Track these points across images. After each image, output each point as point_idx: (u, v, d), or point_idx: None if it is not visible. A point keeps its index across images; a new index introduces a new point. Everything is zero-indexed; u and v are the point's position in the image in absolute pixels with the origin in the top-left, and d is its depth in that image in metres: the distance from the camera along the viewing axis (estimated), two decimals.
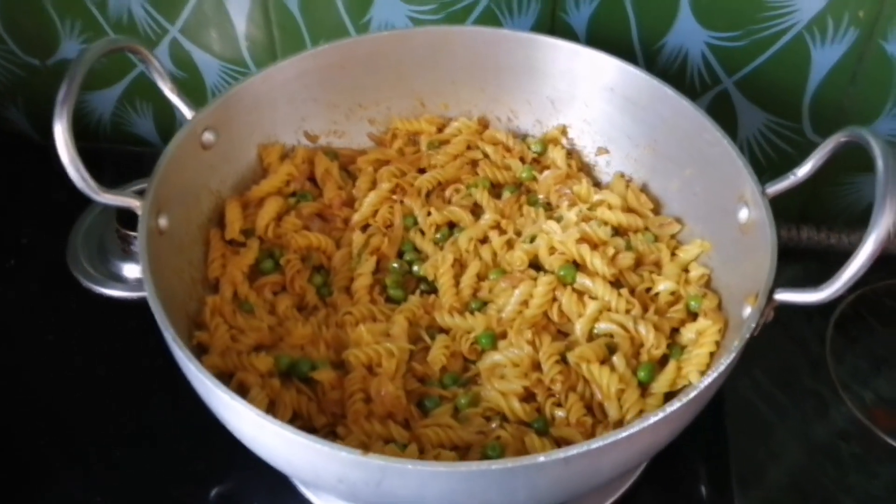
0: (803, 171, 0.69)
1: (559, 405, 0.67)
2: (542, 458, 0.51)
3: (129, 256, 0.90)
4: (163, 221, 0.69)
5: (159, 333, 0.83)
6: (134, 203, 0.66)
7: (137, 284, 0.85)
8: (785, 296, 0.61)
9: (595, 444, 0.52)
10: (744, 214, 0.70)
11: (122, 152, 1.09)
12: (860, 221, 0.90)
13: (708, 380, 0.57)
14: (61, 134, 0.62)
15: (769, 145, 0.96)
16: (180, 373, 0.80)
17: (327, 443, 0.52)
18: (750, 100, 0.93)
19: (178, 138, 0.72)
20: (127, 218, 0.89)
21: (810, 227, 0.95)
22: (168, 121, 1.09)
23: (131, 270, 0.89)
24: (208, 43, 1.00)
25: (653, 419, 0.54)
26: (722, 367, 0.58)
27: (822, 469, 0.79)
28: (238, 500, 0.74)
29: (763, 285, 0.62)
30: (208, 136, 0.75)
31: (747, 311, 0.64)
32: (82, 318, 0.88)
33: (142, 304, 0.86)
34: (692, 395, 0.56)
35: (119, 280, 0.89)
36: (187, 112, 0.74)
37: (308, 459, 0.55)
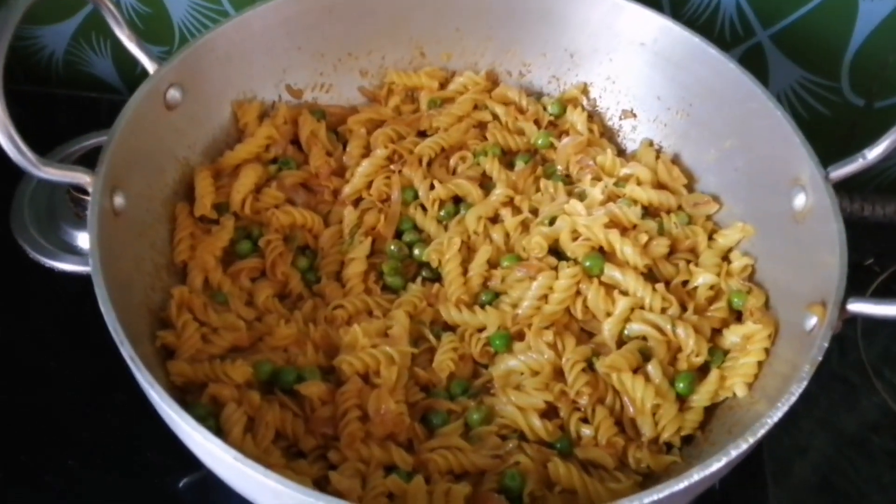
0: (875, 152, 0.59)
1: (585, 421, 0.58)
2: None
3: (82, 223, 0.78)
4: (119, 200, 0.58)
5: None
6: (84, 179, 0.55)
7: None
8: (860, 306, 0.52)
9: (647, 497, 0.43)
10: (800, 201, 0.61)
11: (77, 98, 0.96)
12: (892, 191, 0.81)
13: (778, 414, 0.48)
14: None
15: (801, 104, 0.87)
16: None
17: (323, 496, 0.43)
18: (785, 55, 0.84)
19: (138, 98, 0.60)
20: None
21: (842, 196, 0.87)
22: (131, 61, 0.95)
23: (86, 240, 0.78)
24: None
25: (726, 458, 0.45)
26: (793, 398, 0.49)
27: (853, 464, 0.73)
28: None
29: (833, 292, 0.53)
30: (174, 94, 0.64)
31: (811, 321, 0.54)
32: (28, 295, 0.76)
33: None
34: (760, 433, 0.47)
35: (71, 251, 0.78)
36: (149, 65, 0.62)
37: None
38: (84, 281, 0.76)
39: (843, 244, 0.55)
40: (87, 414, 0.70)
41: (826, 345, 0.51)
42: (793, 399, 0.49)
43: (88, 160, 0.77)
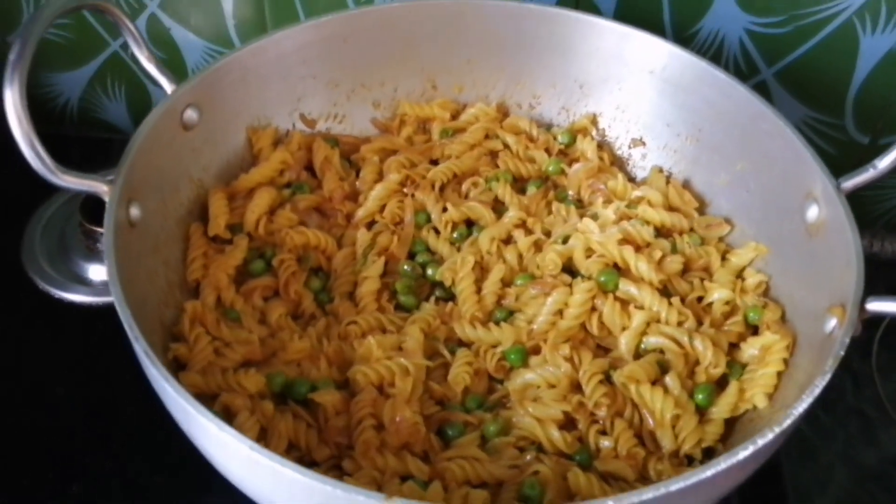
0: (885, 162, 0.60)
1: (604, 433, 0.57)
2: (610, 503, 0.41)
3: (94, 255, 0.78)
4: (134, 212, 0.58)
5: (129, 345, 0.72)
6: (101, 188, 0.55)
7: (104, 288, 0.75)
8: (879, 305, 0.52)
9: (674, 485, 0.42)
10: (813, 213, 0.61)
11: (89, 139, 0.97)
12: None
13: (802, 406, 0.47)
14: (13, 103, 0.52)
15: (808, 143, 0.88)
16: (154, 393, 0.69)
17: (340, 484, 0.41)
18: (790, 93, 0.85)
19: (156, 115, 0.61)
20: (92, 211, 0.78)
21: None
22: (143, 105, 0.98)
23: (97, 272, 0.78)
24: (191, 20, 0.89)
25: (752, 446, 0.44)
26: (817, 390, 0.48)
27: (874, 498, 0.71)
28: None
29: (851, 294, 0.53)
30: (190, 115, 0.64)
31: (831, 323, 0.54)
32: (38, 326, 0.76)
33: (108, 311, 0.75)
34: (786, 423, 0.46)
35: (82, 283, 0.77)
36: (167, 86, 0.63)
37: None
38: (92, 313, 0.77)
39: (860, 249, 0.55)
40: (91, 439, 0.69)
41: (847, 341, 0.51)
42: (817, 391, 0.48)
43: (94, 203, 0.78)
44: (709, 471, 0.43)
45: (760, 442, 0.45)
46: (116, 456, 0.68)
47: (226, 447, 0.44)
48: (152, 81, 0.94)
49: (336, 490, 0.41)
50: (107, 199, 0.55)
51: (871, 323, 0.83)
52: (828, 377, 0.49)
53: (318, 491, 0.42)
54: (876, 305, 0.52)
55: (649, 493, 0.42)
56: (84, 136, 0.98)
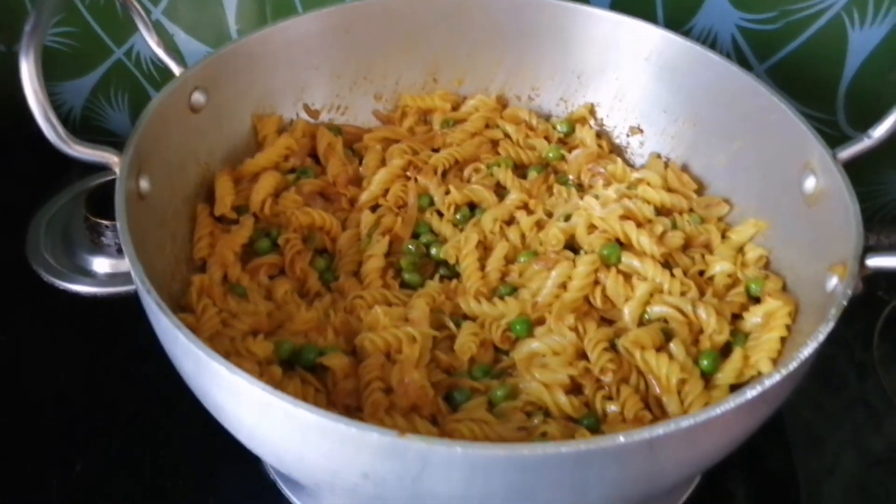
0: (880, 130, 0.61)
1: (610, 398, 0.57)
2: (622, 439, 0.41)
3: (98, 248, 0.79)
4: (144, 184, 0.59)
5: (132, 333, 0.73)
6: (111, 158, 0.56)
7: (108, 279, 0.76)
8: (880, 261, 0.53)
9: (684, 421, 0.42)
10: (810, 184, 0.62)
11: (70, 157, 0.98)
12: None
13: (808, 349, 0.48)
14: (29, 74, 0.53)
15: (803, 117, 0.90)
16: (155, 378, 0.69)
17: (354, 422, 0.41)
18: (782, 88, 0.86)
19: (164, 94, 0.62)
20: (97, 204, 0.79)
21: None
22: None
23: (101, 264, 0.78)
24: (194, 27, 0.91)
25: (760, 388, 0.45)
26: (822, 336, 0.48)
27: (882, 483, 0.71)
28: None
29: (852, 252, 0.53)
30: (198, 97, 0.66)
31: (832, 282, 0.55)
32: (43, 316, 0.76)
33: (111, 302, 0.76)
34: (793, 365, 0.46)
35: (86, 274, 0.78)
36: (176, 69, 0.64)
37: (327, 450, 0.44)
38: (96, 303, 0.77)
39: (858, 212, 0.56)
40: (94, 422, 0.69)
41: (849, 293, 0.51)
42: (821, 337, 0.49)
43: (98, 198, 0.80)
44: (718, 408, 0.43)
45: (768, 383, 0.45)
46: (119, 436, 0.68)
47: (238, 393, 0.45)
48: (155, 87, 0.96)
49: (350, 428, 0.42)
50: (117, 169, 0.56)
51: (871, 314, 0.84)
52: (831, 325, 0.49)
53: (332, 430, 0.42)
54: (876, 261, 0.53)
55: (659, 429, 0.42)
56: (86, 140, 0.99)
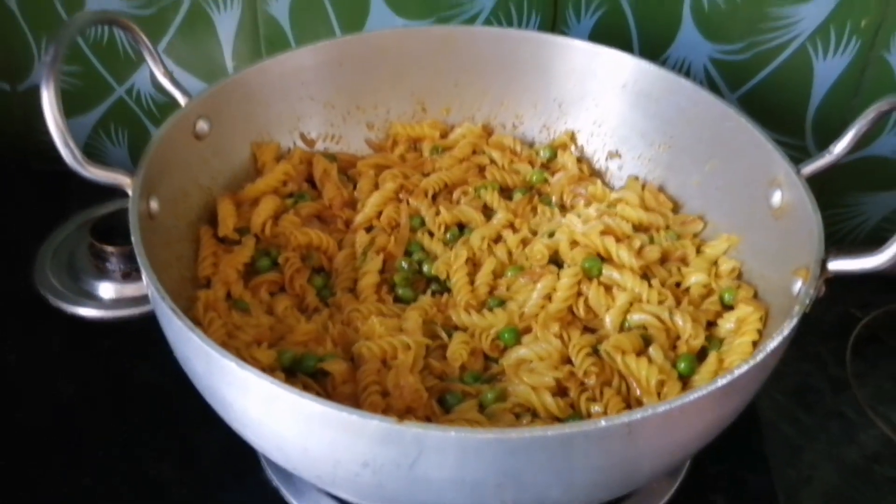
0: (840, 146, 0.66)
1: (594, 400, 0.61)
2: (603, 423, 0.45)
3: (103, 274, 0.83)
4: (153, 204, 0.63)
5: (136, 353, 0.76)
6: (124, 180, 0.60)
7: (112, 304, 0.79)
8: (839, 264, 0.57)
9: (661, 407, 0.46)
10: (777, 198, 0.67)
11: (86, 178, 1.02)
12: (870, 242, 0.87)
13: (774, 343, 0.51)
14: (48, 101, 0.57)
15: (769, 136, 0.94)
16: (159, 394, 0.73)
17: (355, 411, 0.45)
18: (753, 116, 0.90)
19: (171, 122, 0.66)
20: (102, 232, 0.83)
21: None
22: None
23: (106, 289, 0.82)
24: (193, 63, 0.95)
25: (730, 377, 0.48)
26: (786, 330, 0.52)
27: (858, 491, 0.74)
28: None
29: (814, 256, 0.58)
30: (202, 125, 0.70)
31: (797, 285, 0.59)
32: (50, 339, 0.80)
33: (116, 326, 0.80)
34: (759, 357, 0.50)
35: (92, 299, 0.81)
36: (181, 99, 0.69)
37: (330, 439, 0.47)
38: (102, 327, 0.80)
39: (820, 222, 0.60)
40: (101, 438, 0.72)
41: (812, 293, 0.55)
42: (786, 332, 0.52)
43: (103, 226, 0.83)
44: (692, 395, 0.47)
45: (737, 372, 0.49)
46: (125, 452, 0.71)
47: (247, 388, 0.48)
48: (156, 125, 1.00)
49: (352, 416, 0.45)
50: (129, 190, 0.60)
51: (844, 331, 0.88)
52: (795, 321, 0.53)
53: (335, 419, 0.46)
54: (837, 265, 0.57)
55: (637, 413, 0.46)
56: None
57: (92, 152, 1.04)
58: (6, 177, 1.01)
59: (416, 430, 0.45)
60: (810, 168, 0.65)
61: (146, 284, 0.54)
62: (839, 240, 0.99)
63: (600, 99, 0.81)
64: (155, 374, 0.76)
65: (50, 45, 0.58)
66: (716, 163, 0.74)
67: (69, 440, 0.71)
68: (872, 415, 0.80)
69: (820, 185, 0.92)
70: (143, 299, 0.79)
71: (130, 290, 0.82)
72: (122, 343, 0.79)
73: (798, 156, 0.90)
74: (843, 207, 0.97)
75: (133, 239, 0.56)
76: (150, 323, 0.59)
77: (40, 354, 0.79)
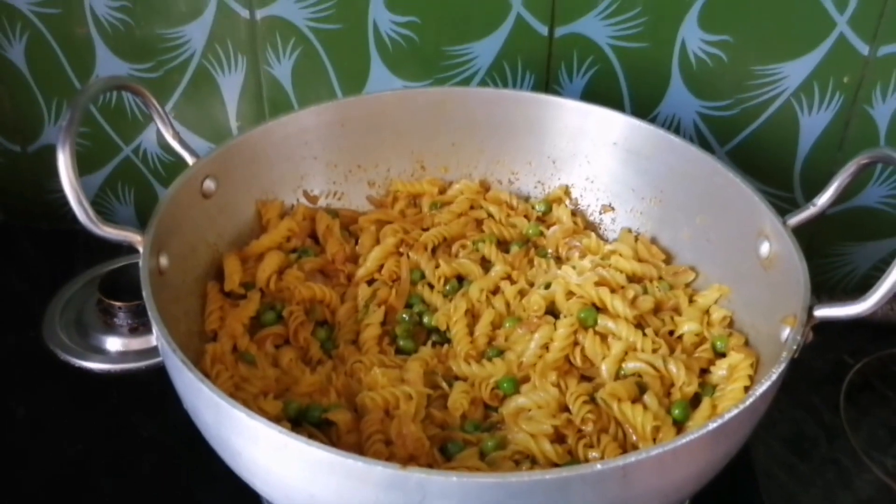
0: (823, 199, 0.68)
1: (591, 446, 0.62)
2: (599, 466, 0.47)
3: (110, 329, 0.85)
4: (163, 261, 0.65)
5: (142, 409, 0.78)
6: (135, 238, 0.63)
7: (119, 357, 0.81)
8: (825, 311, 0.59)
9: (654, 450, 0.48)
10: (765, 249, 0.69)
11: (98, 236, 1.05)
12: (860, 290, 0.89)
13: (762, 388, 0.53)
14: (64, 163, 0.60)
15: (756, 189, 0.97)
16: (166, 444, 0.74)
17: (361, 458, 0.47)
18: (743, 169, 0.94)
19: (180, 182, 0.69)
20: (109, 288, 0.85)
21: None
22: (151, 208, 1.06)
23: (113, 343, 0.84)
24: (198, 124, 0.99)
25: (720, 420, 0.50)
26: (774, 375, 0.54)
27: None
28: None
29: (801, 304, 0.60)
30: (209, 184, 0.72)
31: (785, 332, 0.61)
32: (59, 392, 0.81)
33: (123, 378, 0.81)
34: (749, 401, 0.52)
35: (99, 352, 0.83)
36: (189, 159, 0.71)
37: (335, 486, 0.49)
38: (110, 379, 0.82)
39: (806, 271, 0.63)
40: (109, 490, 0.73)
41: (799, 339, 0.57)
42: (774, 377, 0.54)
43: (109, 282, 0.86)
44: (684, 438, 0.49)
45: (727, 416, 0.51)
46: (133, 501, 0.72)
47: (256, 437, 0.50)
48: (162, 184, 1.03)
49: (357, 463, 0.47)
50: (140, 247, 0.62)
51: (837, 378, 0.90)
52: (783, 366, 0.55)
53: (340, 466, 0.47)
54: (823, 312, 0.59)
55: (632, 457, 0.48)
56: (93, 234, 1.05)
57: (100, 210, 1.06)
58: (15, 235, 1.04)
59: (420, 475, 0.46)
60: (796, 219, 0.68)
61: (156, 338, 0.56)
62: (830, 288, 1.02)
63: (592, 156, 0.84)
64: (160, 427, 0.77)
65: (67, 110, 0.61)
66: (706, 216, 0.76)
67: (75, 493, 0.73)
68: (867, 461, 0.81)
69: (809, 236, 0.96)
70: (150, 353, 0.82)
71: (137, 343, 0.84)
72: (128, 396, 0.81)
73: (787, 207, 0.94)
74: (833, 257, 0.99)
75: (144, 294, 0.58)
76: (155, 375, 0.61)
77: (48, 408, 0.80)
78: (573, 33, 0.88)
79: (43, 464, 0.75)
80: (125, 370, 0.81)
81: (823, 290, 1.01)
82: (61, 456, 0.76)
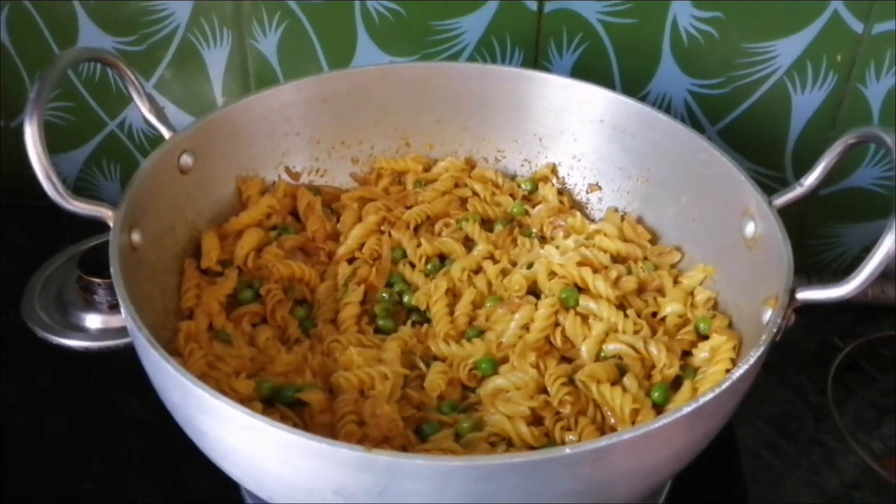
0: (809, 179, 0.67)
1: (569, 429, 0.62)
2: (568, 450, 0.46)
3: (90, 306, 0.84)
4: (136, 237, 0.64)
5: (122, 382, 0.77)
6: (106, 212, 0.62)
7: (99, 334, 0.81)
8: (807, 294, 0.58)
9: (627, 434, 0.47)
10: (750, 229, 0.68)
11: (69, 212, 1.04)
12: (851, 272, 0.88)
13: (740, 371, 0.52)
14: (31, 137, 0.59)
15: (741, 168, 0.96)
16: (145, 422, 0.74)
17: (326, 440, 0.46)
18: (734, 149, 0.93)
19: (155, 157, 0.68)
20: (89, 265, 0.84)
21: (800, 277, 0.94)
22: None
23: (93, 321, 0.84)
24: (184, 99, 0.97)
25: (695, 404, 0.49)
26: (752, 359, 0.53)
27: None
28: None
29: (783, 286, 0.59)
30: (186, 160, 0.71)
31: (767, 314, 0.60)
32: (38, 370, 0.81)
33: (103, 356, 0.81)
34: (725, 384, 0.51)
35: (79, 330, 0.83)
36: (166, 133, 0.70)
37: (303, 468, 0.48)
38: (89, 357, 0.82)
39: (790, 252, 0.61)
40: (90, 468, 0.73)
41: (780, 322, 0.56)
42: (752, 360, 0.53)
43: (90, 259, 0.85)
44: (658, 422, 0.48)
45: (702, 400, 0.50)
46: (113, 485, 0.72)
47: (222, 418, 0.49)
48: (146, 157, 1.02)
49: (322, 445, 0.46)
50: (111, 222, 0.61)
51: (826, 360, 0.89)
52: (762, 349, 0.54)
53: (308, 448, 0.46)
54: (805, 294, 0.58)
55: (603, 441, 0.47)
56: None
57: (85, 186, 1.06)
58: None
59: (386, 458, 0.45)
60: (782, 200, 0.67)
61: (124, 316, 0.55)
62: (821, 270, 1.01)
63: (579, 133, 0.82)
64: (141, 405, 0.77)
65: (36, 81, 0.60)
66: (691, 195, 0.75)
67: (58, 473, 0.72)
68: (853, 442, 0.81)
69: (800, 217, 0.95)
70: None
71: (117, 320, 0.83)
72: (109, 373, 0.81)
73: (778, 187, 0.92)
74: (825, 238, 0.98)
75: (112, 270, 0.57)
76: (135, 353, 0.60)
77: (28, 385, 0.79)
78: (563, 9, 0.86)
79: (24, 442, 0.74)
80: (105, 347, 0.80)
81: (814, 271, 1.00)
82: (42, 434, 0.76)
